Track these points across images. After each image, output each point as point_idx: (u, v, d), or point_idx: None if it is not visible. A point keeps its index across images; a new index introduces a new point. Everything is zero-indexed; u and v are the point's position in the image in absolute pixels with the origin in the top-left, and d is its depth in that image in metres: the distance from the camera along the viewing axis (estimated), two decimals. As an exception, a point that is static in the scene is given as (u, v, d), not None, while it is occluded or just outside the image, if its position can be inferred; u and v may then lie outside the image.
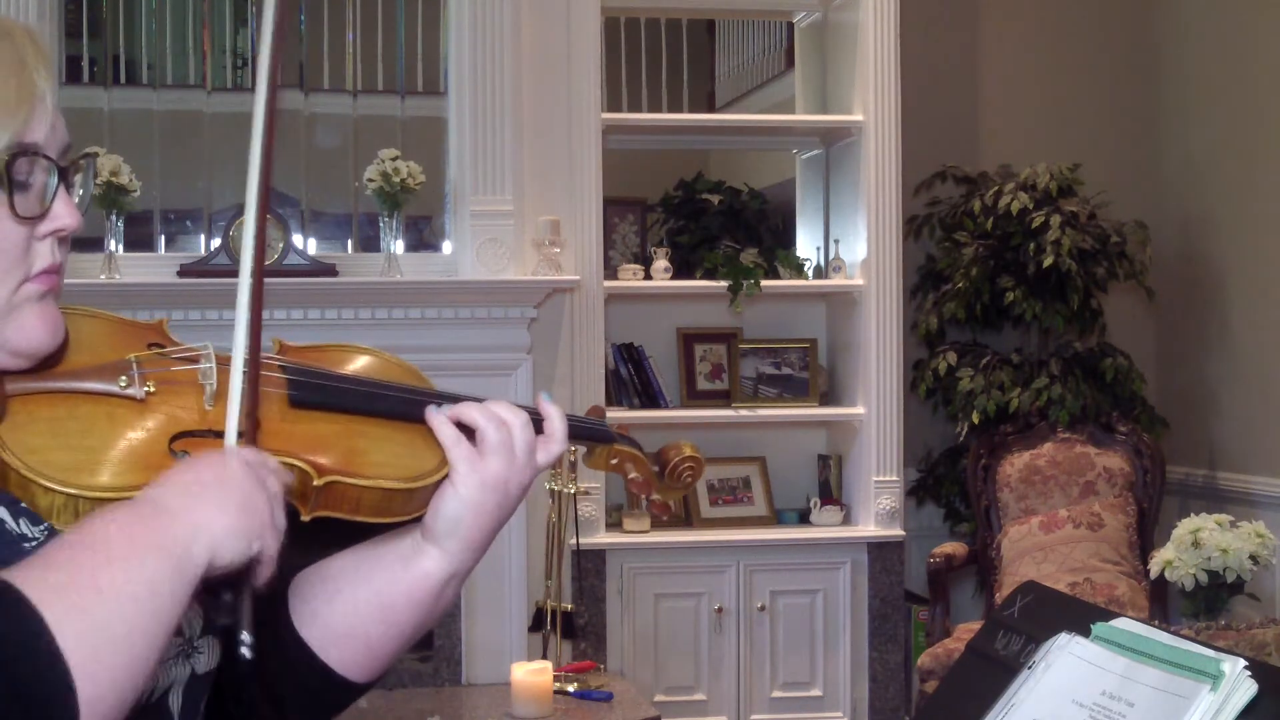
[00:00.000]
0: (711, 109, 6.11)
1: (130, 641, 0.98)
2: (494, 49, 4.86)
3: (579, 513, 4.83)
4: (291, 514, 1.21)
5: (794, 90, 5.67)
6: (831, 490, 5.36)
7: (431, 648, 4.86)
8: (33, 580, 0.97)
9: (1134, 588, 4.98)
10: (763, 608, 5.12)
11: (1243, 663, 1.14)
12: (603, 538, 5.01)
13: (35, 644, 0.94)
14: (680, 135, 5.63)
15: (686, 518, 5.29)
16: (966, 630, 4.90)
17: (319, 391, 1.26)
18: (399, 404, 1.29)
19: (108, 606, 0.98)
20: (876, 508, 5.17)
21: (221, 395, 1.20)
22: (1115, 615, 1.26)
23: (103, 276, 4.66)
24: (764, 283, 5.20)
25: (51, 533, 1.12)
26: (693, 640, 5.10)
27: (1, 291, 1.15)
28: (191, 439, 1.18)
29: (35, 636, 0.94)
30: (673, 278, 5.24)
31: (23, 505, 1.12)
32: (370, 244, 5.11)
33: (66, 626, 0.95)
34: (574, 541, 4.76)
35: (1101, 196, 5.45)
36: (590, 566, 4.97)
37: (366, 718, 4.34)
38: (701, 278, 5.26)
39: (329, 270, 4.81)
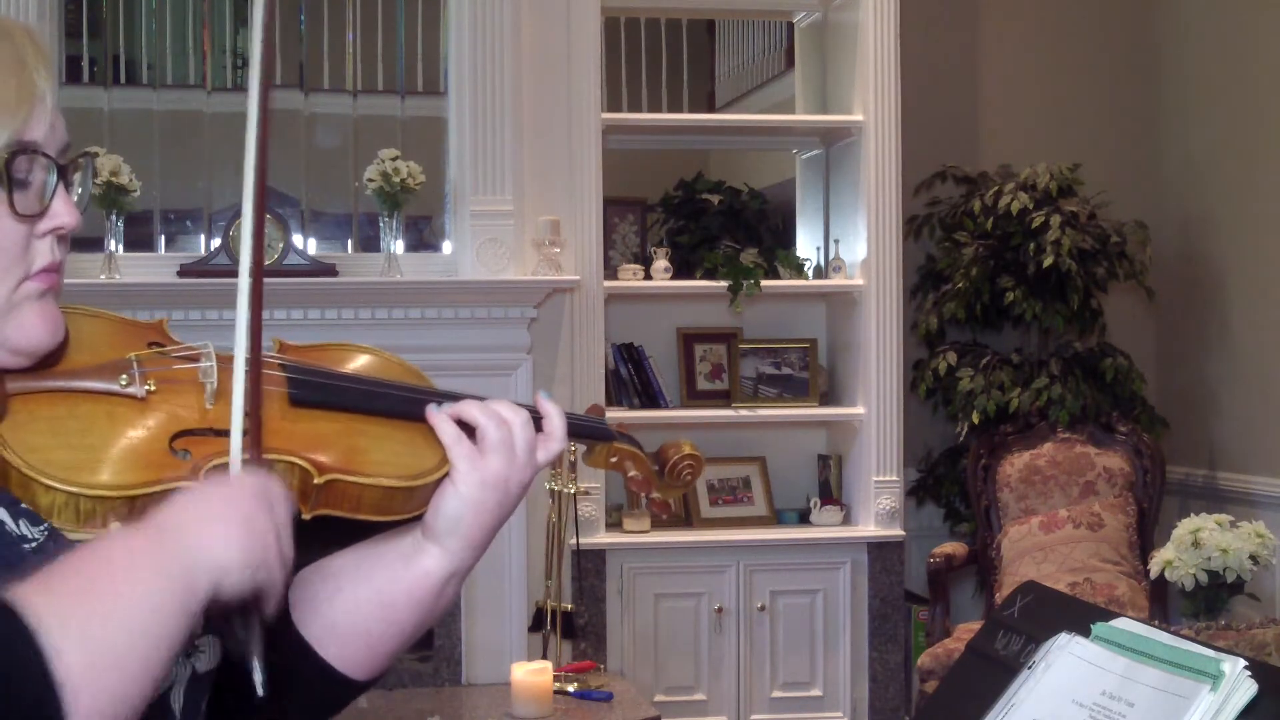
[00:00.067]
0: (711, 109, 6.11)
1: (129, 664, 0.99)
2: (494, 49, 4.86)
3: (579, 513, 4.83)
4: (292, 512, 1.21)
5: (794, 90, 5.67)
6: (831, 490, 5.36)
7: (431, 648, 4.86)
8: (33, 600, 0.97)
9: (1134, 588, 4.98)
10: (763, 608, 5.12)
11: (1243, 663, 1.14)
12: (603, 538, 5.01)
13: (29, 663, 0.94)
14: (680, 135, 5.63)
15: (686, 518, 5.29)
16: (966, 630, 4.90)
17: (319, 390, 1.26)
18: (399, 402, 1.29)
19: (108, 629, 0.98)
20: (876, 508, 5.17)
21: (222, 394, 1.20)
22: (1115, 615, 1.26)
23: (103, 276, 4.66)
24: (764, 283, 5.20)
25: (51, 533, 1.13)
26: (693, 640, 5.10)
27: (1, 290, 1.15)
28: (192, 437, 1.18)
29: (30, 655, 0.94)
30: (673, 278, 5.24)
31: (23, 506, 1.12)
32: (370, 244, 5.11)
33: (65, 647, 0.95)
34: (574, 541, 4.76)
35: (1101, 196, 5.45)
36: (590, 566, 4.97)
37: (366, 718, 4.34)
38: (701, 278, 5.26)
39: (329, 270, 4.81)
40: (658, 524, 5.16)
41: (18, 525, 1.11)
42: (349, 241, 5.22)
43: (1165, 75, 5.88)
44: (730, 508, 5.33)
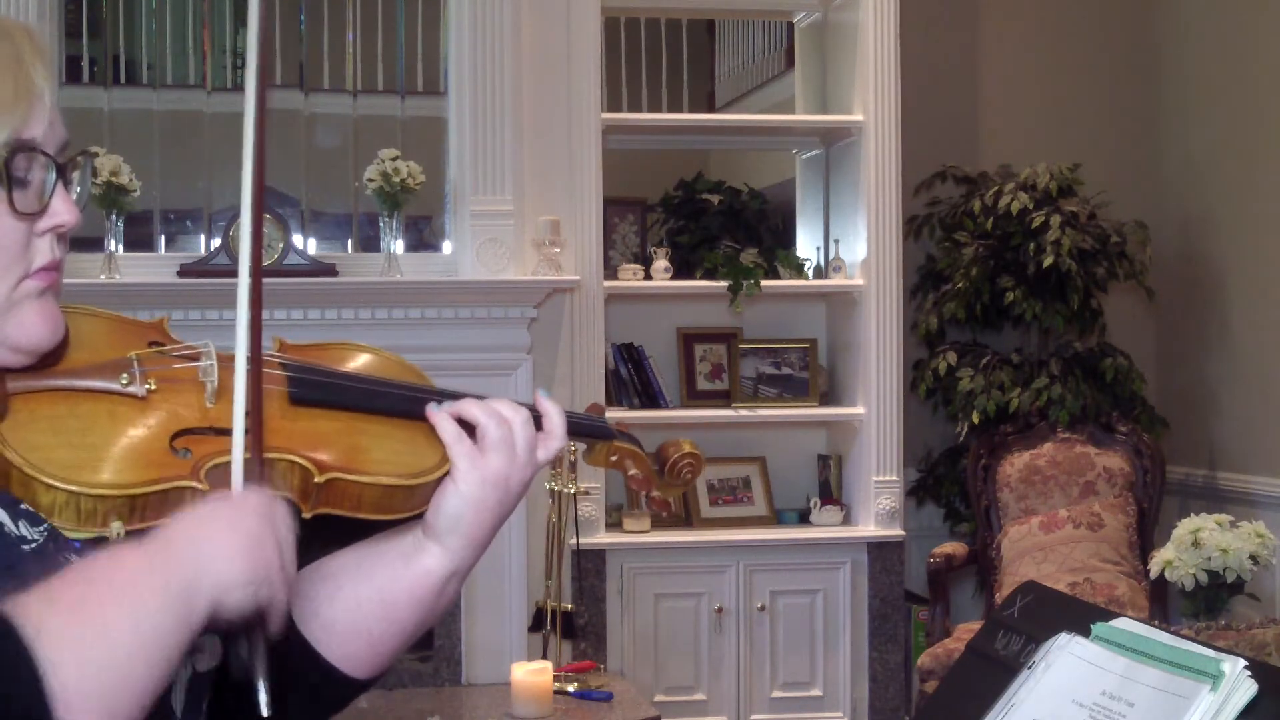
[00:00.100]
0: (711, 109, 6.11)
1: (125, 678, 0.99)
2: (494, 49, 4.86)
3: (579, 513, 4.83)
4: (293, 511, 1.22)
5: (794, 90, 5.67)
6: (831, 490, 5.36)
7: (431, 648, 4.86)
8: (32, 612, 0.97)
9: (1134, 588, 4.98)
10: (763, 608, 5.12)
11: (1243, 663, 1.14)
12: (603, 538, 5.01)
13: (24, 675, 0.94)
14: (680, 135, 5.63)
15: (686, 518, 5.29)
16: (966, 630, 4.90)
17: (319, 389, 1.27)
18: (400, 401, 1.29)
19: (105, 645, 0.98)
20: (876, 508, 5.17)
21: (222, 393, 1.20)
22: (1115, 615, 1.26)
23: (103, 276, 4.66)
24: (764, 283, 5.20)
25: (51, 534, 1.13)
26: (693, 640, 5.10)
27: (1, 288, 1.15)
28: (193, 436, 1.18)
29: (25, 668, 0.94)
30: (673, 278, 5.24)
31: (22, 507, 1.12)
32: (370, 244, 5.11)
33: (62, 660, 0.95)
34: (574, 541, 4.76)
35: (1101, 196, 5.45)
36: (590, 566, 4.97)
37: (366, 718, 4.34)
38: (701, 278, 5.26)
39: (329, 270, 4.81)
40: (658, 524, 5.16)
41: (17, 526, 1.11)
42: (349, 241, 5.22)
43: (1165, 75, 5.88)
44: (730, 508, 5.33)
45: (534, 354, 4.91)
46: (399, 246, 4.94)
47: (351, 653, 1.31)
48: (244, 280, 1.17)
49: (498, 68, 4.86)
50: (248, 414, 1.16)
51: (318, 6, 5.17)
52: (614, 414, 1.45)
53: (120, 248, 4.78)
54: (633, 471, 1.45)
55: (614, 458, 1.44)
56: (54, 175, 1.17)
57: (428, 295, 4.82)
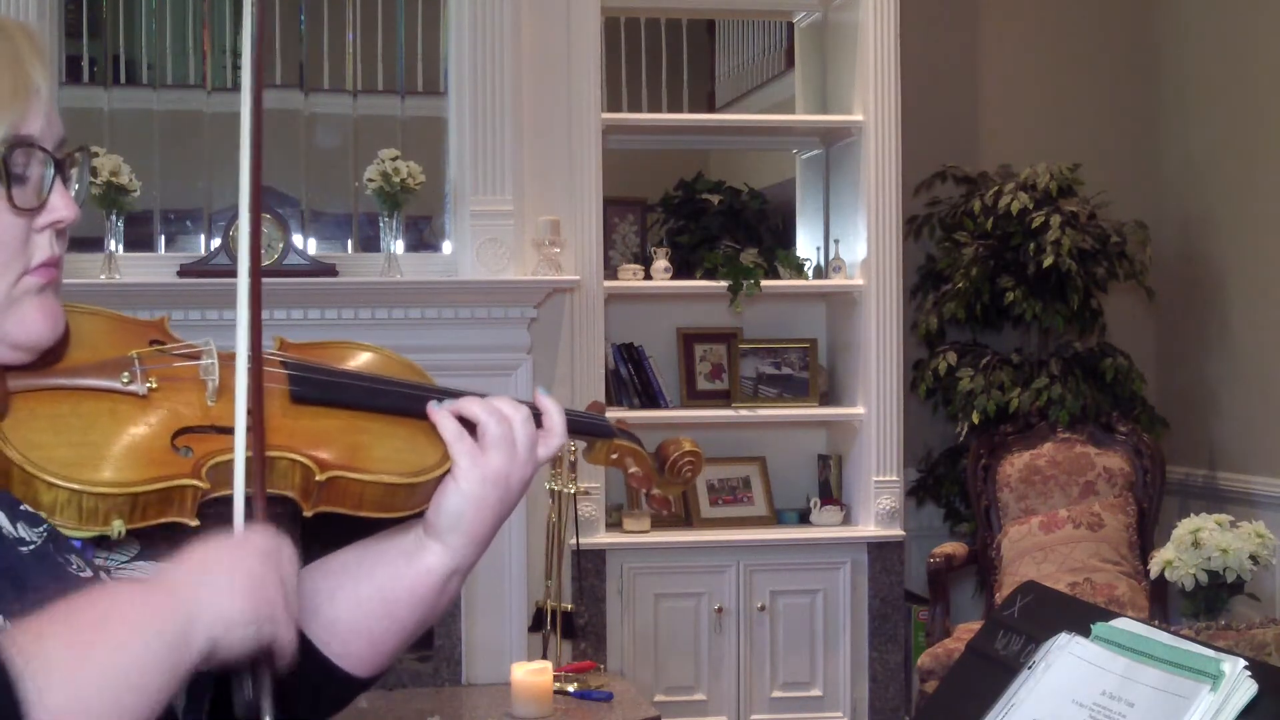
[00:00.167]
0: (711, 109, 6.11)
1: (113, 712, 0.99)
2: (494, 49, 4.86)
3: (579, 513, 4.83)
4: (294, 510, 1.22)
5: (794, 90, 5.67)
6: (831, 490, 5.36)
7: (431, 648, 4.86)
8: (24, 644, 0.97)
9: (1134, 588, 4.98)
10: (763, 608, 5.12)
11: (1243, 663, 1.14)
12: (603, 538, 5.01)
13: (6, 709, 0.94)
14: (680, 135, 5.63)
15: (686, 518, 5.29)
16: (966, 630, 4.90)
17: (320, 387, 1.27)
18: (401, 399, 1.29)
19: (94, 678, 0.98)
20: (876, 508, 5.17)
21: (223, 391, 1.20)
22: (1115, 615, 1.26)
23: (103, 276, 4.66)
24: (764, 283, 5.20)
25: (51, 535, 1.12)
26: (693, 640, 5.10)
27: (1, 284, 1.15)
28: (194, 435, 1.19)
29: (7, 698, 0.94)
30: (673, 278, 5.24)
31: (22, 508, 1.12)
32: (370, 244, 5.11)
33: (50, 691, 0.95)
34: (574, 541, 4.76)
35: (1101, 196, 5.46)
36: (590, 566, 4.97)
37: (366, 718, 4.34)
38: (701, 278, 5.26)
39: (329, 270, 4.81)
40: (658, 524, 5.16)
41: (15, 528, 1.11)
42: (349, 241, 5.22)
43: (1165, 75, 5.88)
44: (730, 508, 5.33)
45: (534, 354, 4.91)
46: (399, 246, 4.94)
47: (352, 651, 1.31)
48: (244, 280, 1.17)
49: (498, 68, 4.86)
50: (249, 412, 1.16)
51: (318, 6, 5.17)
52: (614, 414, 1.45)
53: (120, 248, 4.78)
54: (633, 470, 1.45)
55: (614, 456, 1.44)
56: (52, 171, 1.17)
57: (428, 295, 4.82)
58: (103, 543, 1.18)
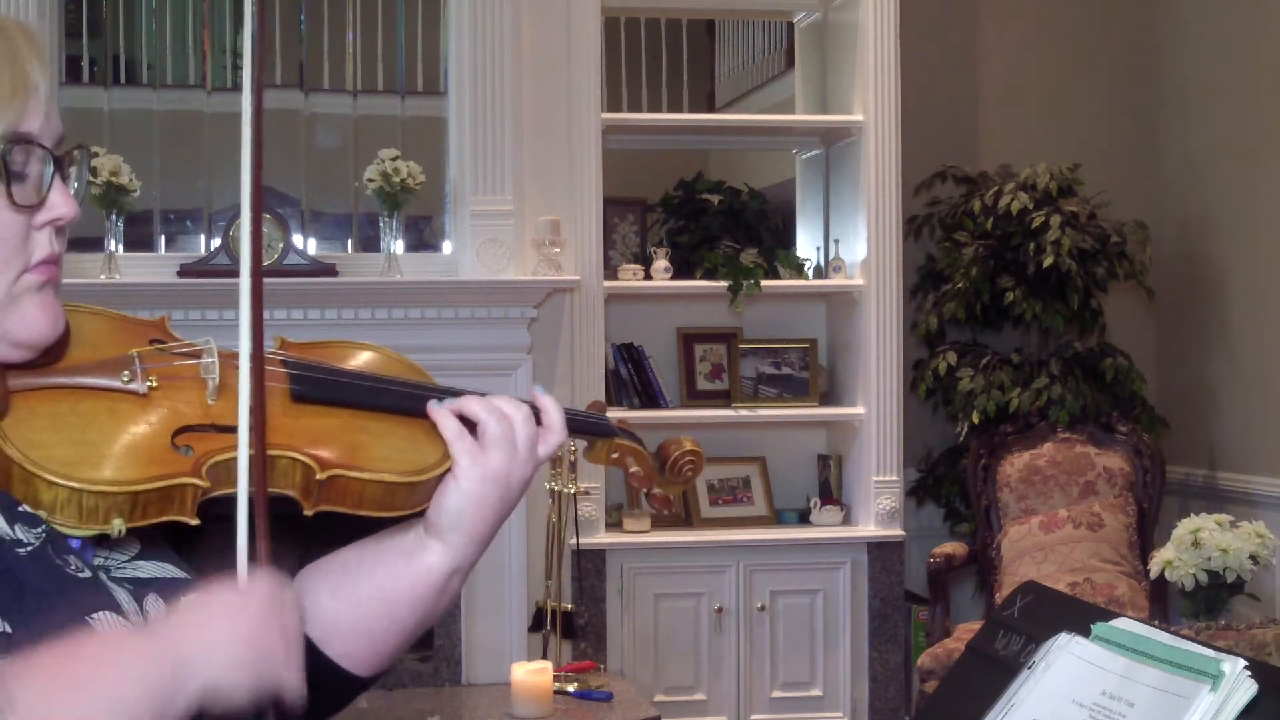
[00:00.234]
0: (711, 109, 6.11)
1: None
2: (494, 49, 4.86)
3: (579, 513, 4.83)
4: (294, 509, 1.22)
5: (794, 90, 5.67)
6: (831, 490, 5.36)
7: (431, 647, 4.86)
8: (7, 680, 0.97)
9: (1134, 588, 4.98)
10: (763, 608, 5.12)
11: (1243, 663, 1.14)
12: (603, 538, 5.01)
13: None
14: (680, 135, 5.63)
15: (686, 518, 5.29)
16: (966, 630, 4.90)
17: (321, 386, 1.27)
18: (401, 398, 1.29)
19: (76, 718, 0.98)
20: (876, 508, 5.17)
21: (224, 390, 1.20)
22: (1115, 615, 1.26)
23: (103, 276, 4.66)
24: (764, 283, 5.20)
25: (49, 537, 1.12)
26: (693, 640, 5.10)
27: (1, 282, 1.15)
28: (194, 433, 1.18)
29: None
30: (673, 278, 5.24)
31: (20, 509, 1.12)
32: (370, 244, 5.11)
33: None
34: (574, 541, 4.76)
35: (1101, 196, 5.46)
36: (590, 566, 4.97)
37: (366, 718, 4.34)
38: (701, 278, 5.26)
39: (329, 270, 4.81)
40: (658, 524, 5.16)
41: (13, 529, 1.11)
42: (349, 241, 5.22)
43: (1165, 75, 5.88)
44: (730, 508, 5.33)
45: (534, 354, 4.91)
46: (399, 246, 4.94)
47: (353, 650, 1.31)
48: (245, 279, 1.17)
49: (498, 68, 4.86)
50: (251, 412, 1.16)
51: (318, 6, 5.17)
52: (614, 414, 1.45)
53: (120, 248, 4.78)
54: (634, 469, 1.45)
55: (615, 455, 1.44)
56: (51, 169, 1.17)
57: (428, 295, 4.82)
58: (103, 542, 1.18)
